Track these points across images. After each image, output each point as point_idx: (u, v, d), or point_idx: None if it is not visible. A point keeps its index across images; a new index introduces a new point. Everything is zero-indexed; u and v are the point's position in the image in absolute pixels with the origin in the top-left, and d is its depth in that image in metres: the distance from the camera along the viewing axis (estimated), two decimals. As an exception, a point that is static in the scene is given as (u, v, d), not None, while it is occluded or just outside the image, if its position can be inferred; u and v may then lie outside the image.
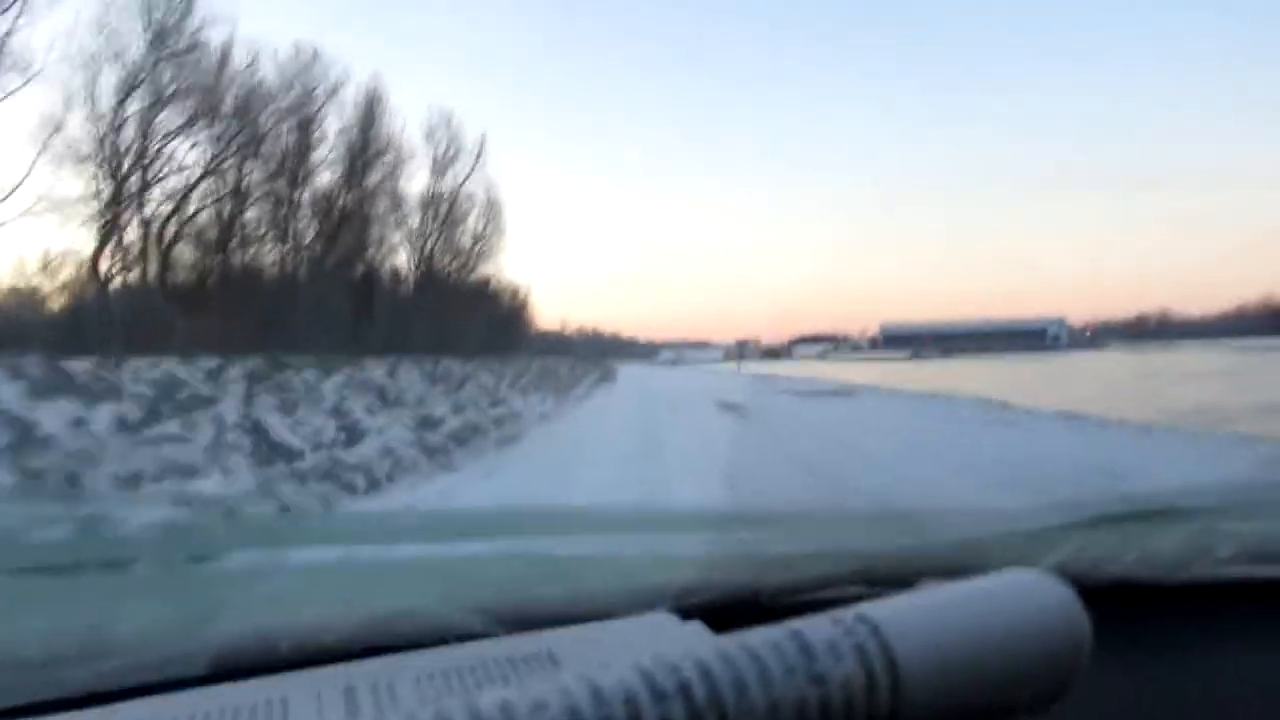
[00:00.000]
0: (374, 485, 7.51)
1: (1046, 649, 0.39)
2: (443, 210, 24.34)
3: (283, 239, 17.82)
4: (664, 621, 0.57)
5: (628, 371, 46.90)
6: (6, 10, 11.37)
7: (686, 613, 0.58)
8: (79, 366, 8.82)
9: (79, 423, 7.36)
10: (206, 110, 15.28)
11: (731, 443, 10.13)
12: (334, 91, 19.02)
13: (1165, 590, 0.67)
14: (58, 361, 9.30)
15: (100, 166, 13.33)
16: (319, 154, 19.00)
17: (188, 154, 15.29)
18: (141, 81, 13.78)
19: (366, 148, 20.30)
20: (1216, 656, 0.61)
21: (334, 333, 15.87)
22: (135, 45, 13.81)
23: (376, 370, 15.46)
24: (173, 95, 14.47)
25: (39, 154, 12.58)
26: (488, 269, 28.27)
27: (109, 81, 13.53)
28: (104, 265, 13.42)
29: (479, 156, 25.21)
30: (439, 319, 21.54)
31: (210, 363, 10.91)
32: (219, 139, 15.81)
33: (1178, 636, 0.63)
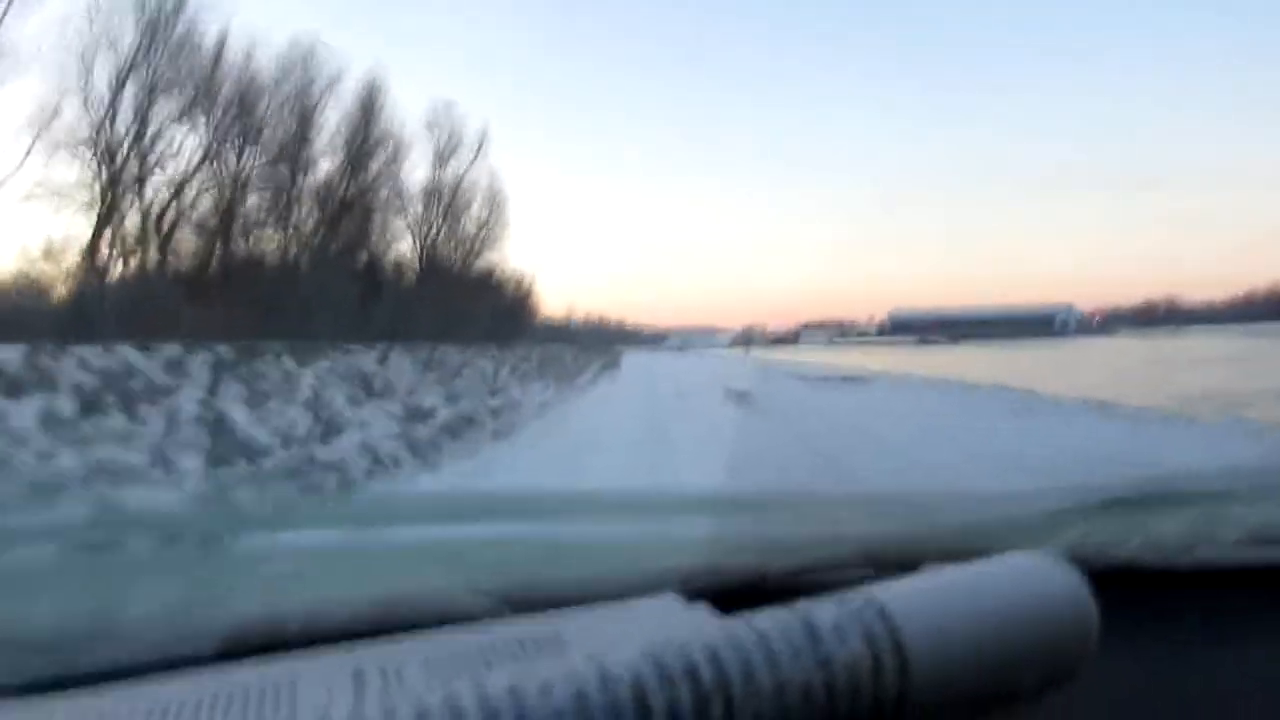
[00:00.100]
0: (347, 487, 6.68)
1: (1053, 632, 0.39)
2: (445, 199, 24.24)
3: (284, 227, 17.65)
4: (670, 604, 0.57)
5: (633, 359, 46.36)
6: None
7: (693, 596, 0.58)
8: (7, 354, 7.52)
9: (-7, 418, 6.30)
10: (203, 98, 15.17)
11: (743, 434, 9.59)
12: (334, 82, 18.89)
13: (1171, 574, 0.67)
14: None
15: (96, 154, 13.25)
16: (319, 143, 18.86)
17: (185, 141, 15.18)
18: (134, 69, 13.68)
19: (367, 137, 20.16)
20: (1222, 641, 0.61)
21: (337, 321, 15.65)
22: (129, 33, 13.76)
23: (366, 357, 14.42)
24: (169, 83, 14.38)
25: (34, 141, 12.50)
26: (492, 258, 28.19)
27: (104, 70, 13.46)
28: (102, 253, 13.35)
29: (481, 145, 24.99)
30: (443, 307, 21.44)
31: (173, 349, 9.67)
32: (217, 127, 15.67)
33: (1183, 621, 0.63)
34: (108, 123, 13.29)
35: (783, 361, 38.58)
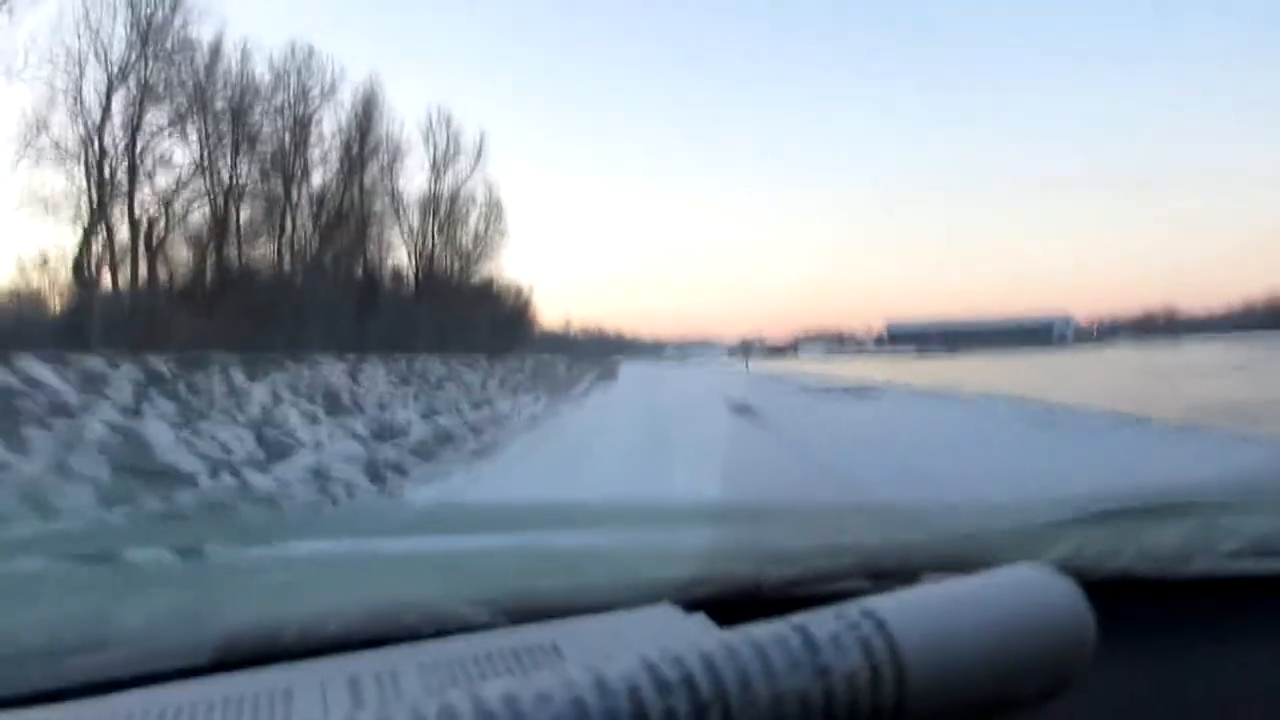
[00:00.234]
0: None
1: (1051, 643, 0.39)
2: (443, 209, 24.16)
3: (278, 237, 17.40)
4: (668, 614, 0.57)
5: (631, 369, 45.95)
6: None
7: (690, 606, 0.58)
8: None
9: None
10: (196, 107, 15.00)
11: (751, 453, 8.86)
12: (330, 89, 18.77)
13: (1168, 585, 0.67)
14: None
15: (85, 164, 13.05)
16: (315, 152, 18.67)
17: (177, 151, 14.98)
18: (126, 78, 13.49)
19: (364, 145, 20.04)
20: (1219, 651, 0.61)
21: (331, 332, 15.30)
22: (120, 42, 13.56)
23: (335, 369, 13.09)
24: (160, 92, 14.22)
25: (23, 150, 12.34)
26: (489, 268, 28.10)
27: (94, 79, 13.26)
28: (92, 264, 13.06)
29: (479, 155, 24.90)
30: (440, 318, 21.32)
31: (95, 361, 8.46)
32: (209, 136, 15.48)
33: (1180, 631, 0.63)
34: (98, 132, 13.14)
35: (782, 372, 37.97)
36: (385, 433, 10.47)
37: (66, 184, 12.90)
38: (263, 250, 17.43)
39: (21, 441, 6.37)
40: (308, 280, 17.27)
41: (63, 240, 13.63)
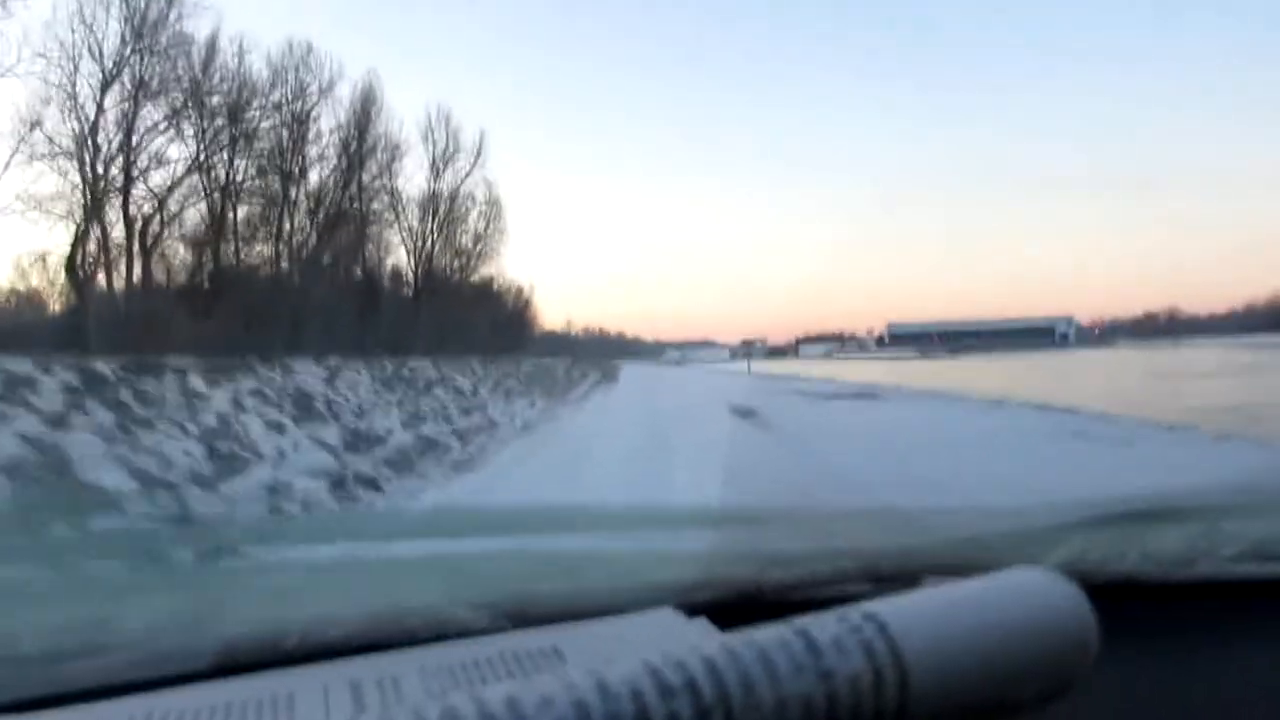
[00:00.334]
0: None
1: (1053, 646, 0.39)
2: (442, 208, 23.95)
3: (276, 237, 17.13)
4: (670, 618, 0.57)
5: (631, 371, 45.37)
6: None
7: (692, 609, 0.58)
8: None
9: None
10: (192, 104, 14.76)
11: (756, 459, 8.31)
12: (328, 87, 18.48)
13: (1170, 588, 0.67)
14: None
15: (80, 162, 12.81)
16: (313, 150, 18.37)
17: (173, 149, 14.67)
18: (120, 75, 13.26)
19: (362, 143, 19.79)
20: (1221, 654, 0.61)
21: (329, 333, 15.00)
22: (114, 37, 13.30)
23: (310, 373, 12.04)
24: (155, 89, 13.96)
25: (15, 148, 12.16)
26: (490, 269, 27.94)
27: (89, 76, 13.02)
28: (86, 263, 12.78)
29: (479, 154, 24.62)
30: (440, 319, 21.19)
31: (21, 364, 7.40)
32: (205, 133, 15.20)
33: (1183, 635, 0.63)
34: (92, 128, 12.95)
35: (784, 374, 37.39)
36: (360, 442, 9.63)
37: (60, 181, 12.74)
38: (260, 249, 17.24)
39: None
40: (305, 280, 17.08)
41: (58, 239, 13.49)
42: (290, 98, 17.66)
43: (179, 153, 14.92)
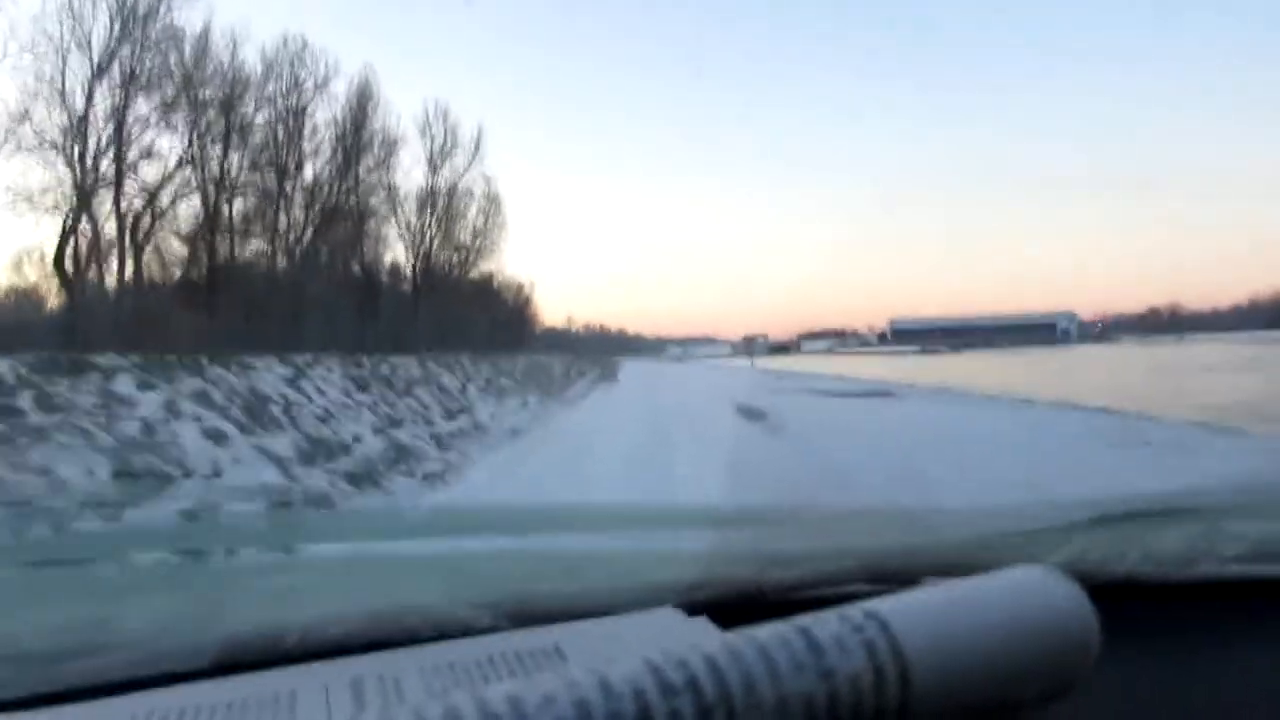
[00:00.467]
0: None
1: (1054, 646, 0.39)
2: (440, 204, 23.68)
3: (272, 232, 16.86)
4: (671, 617, 0.57)
5: (632, 368, 44.73)
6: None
7: (693, 608, 0.58)
8: None
9: None
10: (185, 97, 14.58)
11: (774, 471, 7.43)
12: (324, 81, 18.33)
13: (1171, 588, 0.67)
14: None
15: (67, 155, 12.60)
16: (309, 145, 18.15)
17: (165, 143, 14.45)
18: (110, 67, 13.07)
19: (359, 138, 19.55)
20: (1222, 654, 0.60)
21: (325, 330, 14.69)
22: (103, 29, 13.11)
23: (273, 371, 10.82)
24: (146, 82, 13.76)
25: (2, 142, 11.78)
26: (489, 265, 27.78)
27: (77, 67, 12.82)
28: (77, 259, 12.54)
29: (477, 149, 24.39)
30: (439, 316, 21.04)
31: None
32: (198, 126, 14.97)
33: (1183, 634, 0.63)
34: (81, 122, 12.76)
35: (788, 371, 36.55)
36: (319, 452, 8.48)
37: (49, 175, 12.56)
38: (255, 245, 17.03)
39: None
40: (301, 276, 16.88)
41: (51, 235, 13.17)
42: (285, 92, 17.55)
43: (171, 146, 14.74)
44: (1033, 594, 0.40)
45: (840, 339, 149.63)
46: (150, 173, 14.48)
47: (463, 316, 22.84)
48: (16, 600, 0.77)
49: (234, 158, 16.11)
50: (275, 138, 17.24)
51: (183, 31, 14.60)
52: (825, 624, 0.36)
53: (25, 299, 13.89)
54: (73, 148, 12.73)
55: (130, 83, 13.56)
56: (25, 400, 6.84)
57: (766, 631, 0.35)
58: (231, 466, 7.42)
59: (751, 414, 13.46)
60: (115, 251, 13.66)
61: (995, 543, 0.78)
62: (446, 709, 0.30)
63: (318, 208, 18.33)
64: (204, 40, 15.14)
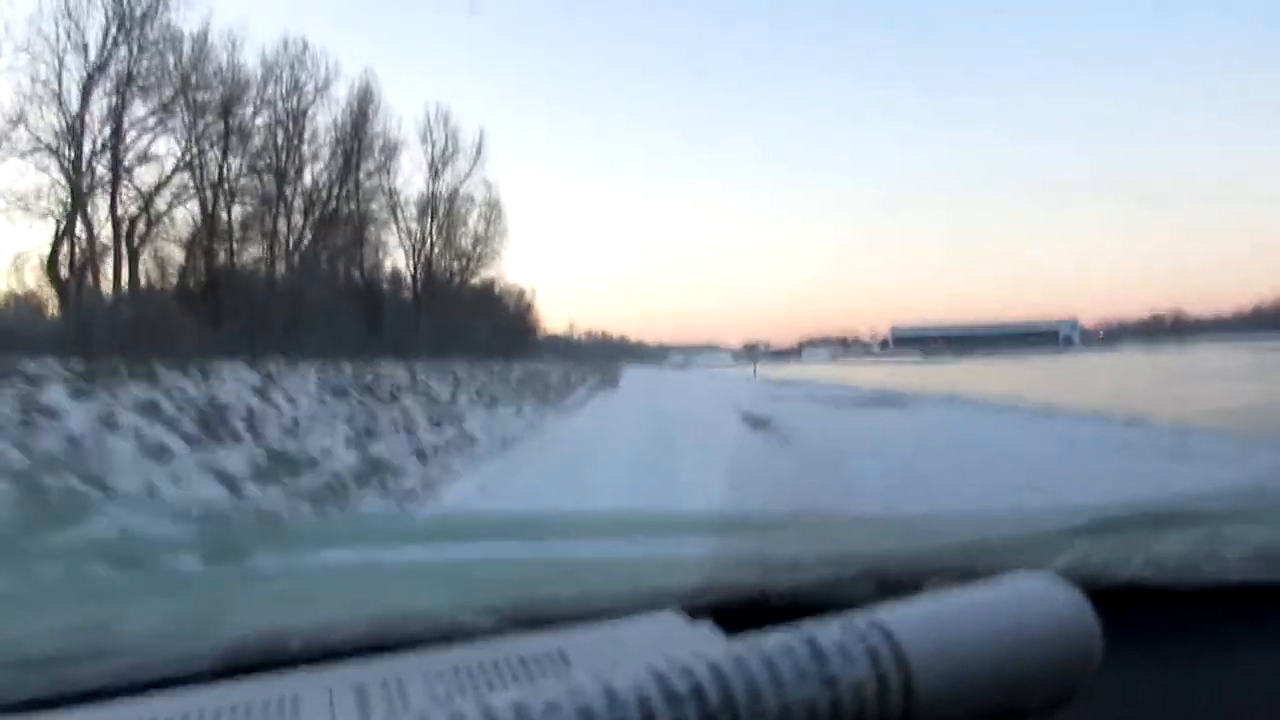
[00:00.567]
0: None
1: (1057, 652, 0.39)
2: (441, 209, 23.59)
3: (271, 238, 16.70)
4: (674, 622, 0.57)
5: (634, 375, 44.41)
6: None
7: (696, 614, 0.58)
8: None
9: None
10: (183, 100, 14.42)
11: (786, 490, 6.93)
12: (324, 85, 18.21)
13: (1174, 593, 0.67)
14: None
15: (61, 158, 12.47)
16: (309, 149, 18.02)
17: (162, 146, 14.31)
18: (106, 69, 12.92)
19: (359, 142, 19.44)
20: (1225, 659, 0.60)
21: (325, 337, 14.41)
22: (100, 32, 12.95)
23: (237, 379, 9.93)
24: (144, 85, 13.63)
25: None
26: (490, 271, 27.64)
27: (74, 69, 12.68)
28: (70, 264, 12.39)
29: (478, 154, 24.30)
30: (441, 323, 20.92)
31: None
32: (195, 129, 14.84)
33: (1186, 639, 0.63)
34: (77, 124, 12.62)
35: (792, 378, 36.00)
36: (279, 468, 7.63)
37: (44, 179, 12.45)
38: (253, 250, 16.84)
39: None
40: (300, 282, 16.74)
41: (38, 240, 13.09)
42: (285, 95, 17.37)
43: (169, 150, 14.53)
44: (1035, 600, 0.40)
45: (842, 345, 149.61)
46: (147, 176, 14.36)
47: (464, 324, 22.73)
48: (20, 603, 0.77)
49: (232, 161, 15.98)
50: (275, 141, 17.09)
51: (181, 33, 14.46)
52: (829, 632, 0.36)
53: (23, 305, 13.83)
54: (68, 151, 12.60)
55: (127, 85, 13.44)
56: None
57: (770, 639, 0.35)
58: (170, 486, 6.61)
59: (757, 422, 13.11)
60: (111, 257, 13.54)
61: (998, 548, 0.78)
62: (451, 715, 0.31)
63: (317, 213, 18.18)
64: (202, 42, 15.00)
